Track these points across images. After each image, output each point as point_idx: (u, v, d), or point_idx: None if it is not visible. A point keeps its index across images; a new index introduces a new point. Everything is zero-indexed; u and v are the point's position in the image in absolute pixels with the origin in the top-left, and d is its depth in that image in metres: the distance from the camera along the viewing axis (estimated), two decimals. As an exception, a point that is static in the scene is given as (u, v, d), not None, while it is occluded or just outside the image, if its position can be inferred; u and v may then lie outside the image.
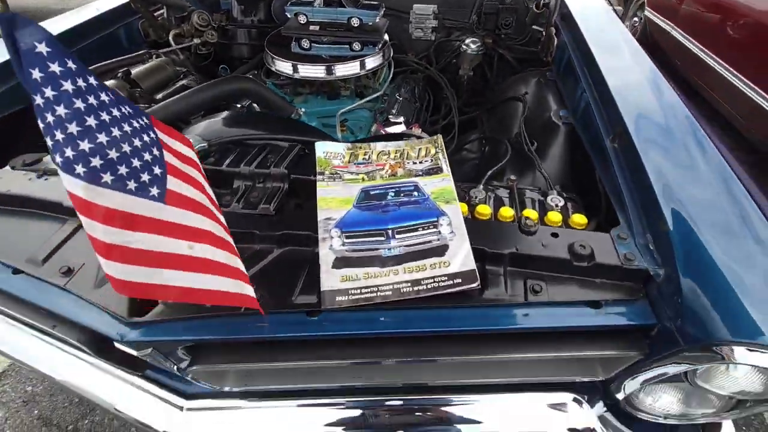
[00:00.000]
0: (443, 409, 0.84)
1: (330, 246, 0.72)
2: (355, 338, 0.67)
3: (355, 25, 1.35)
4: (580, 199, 0.92)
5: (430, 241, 0.72)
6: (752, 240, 0.64)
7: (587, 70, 1.13)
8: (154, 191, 0.47)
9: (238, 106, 1.31)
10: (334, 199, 0.78)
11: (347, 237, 0.73)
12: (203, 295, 0.53)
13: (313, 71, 1.28)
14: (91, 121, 0.44)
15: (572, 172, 1.06)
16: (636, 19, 4.27)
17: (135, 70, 1.25)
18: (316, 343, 0.69)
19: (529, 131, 1.16)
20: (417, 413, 0.85)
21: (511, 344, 0.69)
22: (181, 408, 0.84)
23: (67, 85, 0.42)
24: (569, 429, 0.85)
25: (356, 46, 1.36)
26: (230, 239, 0.59)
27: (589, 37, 1.19)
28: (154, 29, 1.58)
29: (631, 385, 0.75)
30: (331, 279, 0.68)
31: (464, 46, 1.60)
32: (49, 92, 0.41)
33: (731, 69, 2.55)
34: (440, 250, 0.71)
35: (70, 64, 0.42)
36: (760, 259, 0.61)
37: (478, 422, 0.84)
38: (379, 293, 0.67)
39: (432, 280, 0.67)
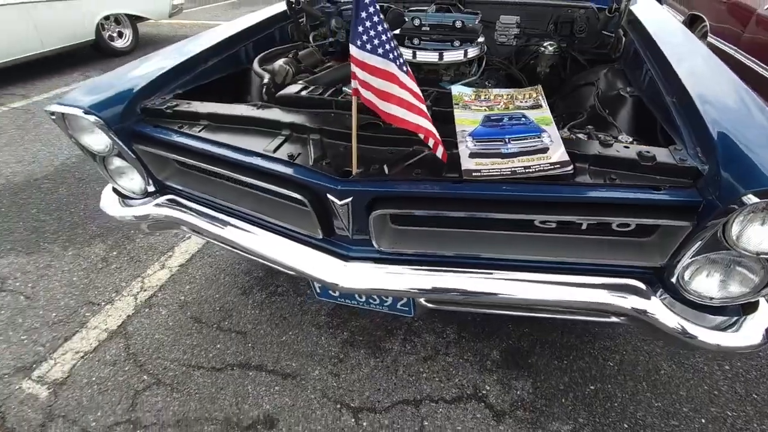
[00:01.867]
0: (534, 282, 1.14)
1: (466, 146, 1.07)
2: (484, 199, 1.01)
3: (458, 27, 1.74)
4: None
5: (535, 145, 1.05)
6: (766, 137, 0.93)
7: (650, 54, 1.44)
8: (404, 68, 0.86)
9: None
10: (466, 119, 1.14)
11: (477, 141, 1.08)
12: (427, 133, 0.90)
13: (428, 56, 1.67)
14: (377, 31, 0.84)
15: (637, 128, 1.34)
16: (700, 46, 4.44)
17: (300, 53, 1.72)
18: (457, 201, 1.03)
19: (601, 106, 1.47)
20: (512, 286, 1.15)
21: (595, 213, 0.99)
22: (344, 265, 1.20)
23: (370, 16, 0.82)
24: (633, 308, 1.11)
25: (456, 43, 1.74)
26: None
27: (652, 31, 1.51)
28: (298, 32, 2.08)
29: (682, 263, 1.01)
30: (468, 163, 1.03)
31: (542, 48, 1.95)
32: (365, 14, 0.81)
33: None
34: (543, 150, 1.04)
35: (374, 8, 0.82)
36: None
37: (564, 294, 1.13)
38: (501, 172, 1.00)
39: (538, 165, 1.00)
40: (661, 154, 1.00)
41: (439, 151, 0.95)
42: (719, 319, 1.06)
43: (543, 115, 1.14)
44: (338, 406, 1.53)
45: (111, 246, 2.33)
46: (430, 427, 1.46)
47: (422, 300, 1.30)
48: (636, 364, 1.65)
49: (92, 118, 1.28)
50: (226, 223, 1.39)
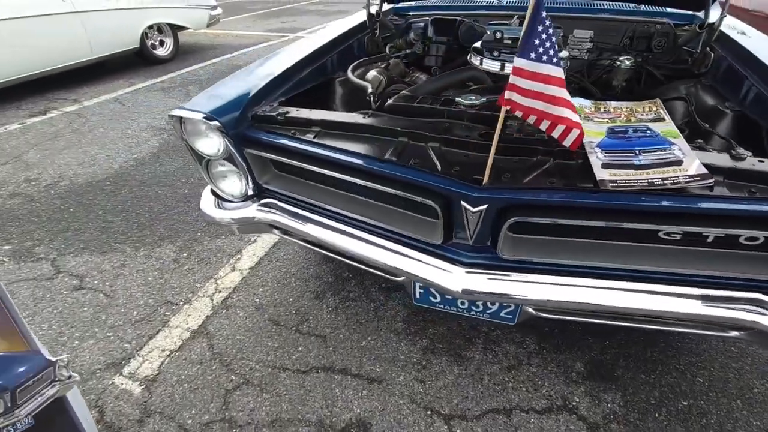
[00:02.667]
0: (661, 295, 1.14)
1: (596, 156, 1.09)
2: (621, 209, 1.02)
3: None
4: None
5: (668, 158, 1.06)
6: None
7: (752, 69, 1.44)
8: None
9: None
10: (590, 131, 1.16)
11: (606, 152, 1.09)
12: (575, 125, 0.93)
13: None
14: (551, 42, 0.87)
15: (738, 142, 1.34)
16: None
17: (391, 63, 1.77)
18: (592, 211, 1.04)
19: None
20: (636, 298, 1.15)
21: (733, 225, 0.99)
22: (461, 271, 1.22)
23: (546, 29, 0.85)
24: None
25: (538, 56, 1.77)
26: None
27: (747, 45, 1.52)
28: (372, 44, 2.14)
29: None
30: (602, 173, 1.04)
31: (618, 62, 1.96)
32: (541, 28, 0.84)
33: None
34: (677, 163, 1.05)
35: (549, 20, 0.86)
36: None
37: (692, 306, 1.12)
38: (638, 183, 1.01)
39: (676, 177, 1.01)
40: None
41: (572, 136, 0.96)
42: None
43: (669, 128, 1.15)
44: (428, 412, 1.53)
45: (180, 247, 2.38)
46: (524, 438, 1.45)
47: (530, 308, 1.30)
48: (726, 381, 1.63)
49: (213, 123, 1.33)
50: (330, 228, 1.42)
